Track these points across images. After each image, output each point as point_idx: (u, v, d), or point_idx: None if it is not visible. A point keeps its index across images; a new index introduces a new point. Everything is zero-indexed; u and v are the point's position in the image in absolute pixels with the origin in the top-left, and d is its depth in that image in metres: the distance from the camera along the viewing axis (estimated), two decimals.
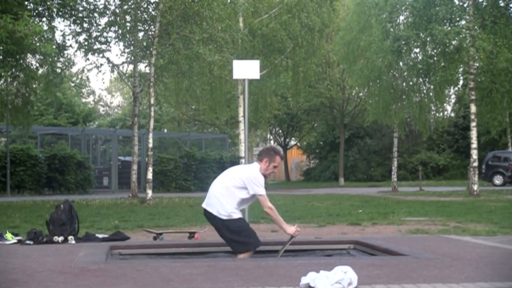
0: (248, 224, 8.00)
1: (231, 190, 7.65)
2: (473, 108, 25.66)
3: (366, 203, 20.61)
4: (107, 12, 24.98)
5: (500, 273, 6.36)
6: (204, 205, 7.84)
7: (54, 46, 20.61)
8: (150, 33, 24.66)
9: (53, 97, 36.48)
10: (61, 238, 9.60)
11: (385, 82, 30.57)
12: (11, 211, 16.82)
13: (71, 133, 37.29)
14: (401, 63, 29.71)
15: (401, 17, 29.45)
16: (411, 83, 30.52)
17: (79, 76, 31.61)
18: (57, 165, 30.59)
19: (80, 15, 24.41)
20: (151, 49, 23.23)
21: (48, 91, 27.13)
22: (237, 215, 7.72)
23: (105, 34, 25.17)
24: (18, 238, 9.89)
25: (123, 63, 26.64)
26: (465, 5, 25.96)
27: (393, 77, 30.88)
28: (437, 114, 37.15)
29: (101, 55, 25.47)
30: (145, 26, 25.27)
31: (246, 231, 7.81)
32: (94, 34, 25.00)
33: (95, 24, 24.98)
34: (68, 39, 24.95)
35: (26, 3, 21.00)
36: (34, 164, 29.80)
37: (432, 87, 29.62)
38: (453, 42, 25.62)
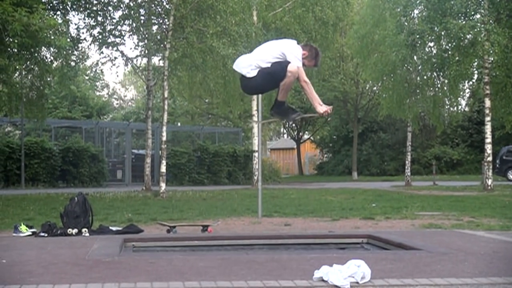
0: None
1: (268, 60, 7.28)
2: (487, 103, 25.55)
3: (379, 197, 20.57)
4: (121, 5, 25.01)
5: None
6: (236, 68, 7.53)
7: (68, 40, 20.66)
8: (164, 26, 24.67)
9: (67, 90, 36.56)
10: (75, 231, 9.66)
11: (399, 76, 30.44)
12: (25, 204, 16.91)
13: (85, 126, 37.36)
14: (415, 57, 29.55)
15: (416, 11, 29.28)
16: (425, 77, 30.38)
17: (93, 70, 31.66)
18: (71, 158, 30.70)
19: (95, 8, 24.47)
20: (165, 42, 23.24)
21: (62, 84, 27.19)
22: None
23: (119, 27, 25.23)
24: (32, 230, 9.95)
25: (137, 56, 26.71)
26: None
27: (407, 71, 30.74)
28: (451, 109, 37.01)
29: (115, 48, 25.57)
30: (159, 19, 25.28)
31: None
32: (108, 27, 25.07)
33: (109, 18, 25.04)
34: (83, 33, 25.14)
35: None
36: (48, 157, 29.91)
37: (446, 81, 29.46)
38: (468, 36, 25.48)
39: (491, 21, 24.78)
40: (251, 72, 7.26)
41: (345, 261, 5.75)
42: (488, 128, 25.36)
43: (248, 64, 7.30)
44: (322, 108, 7.39)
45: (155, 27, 25.28)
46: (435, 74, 29.71)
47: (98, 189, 26.67)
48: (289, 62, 7.16)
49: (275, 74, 7.20)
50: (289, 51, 7.27)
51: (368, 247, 8.72)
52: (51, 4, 22.75)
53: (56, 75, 25.74)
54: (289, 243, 8.74)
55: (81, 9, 24.14)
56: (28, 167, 29.16)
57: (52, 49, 22.01)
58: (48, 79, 26.35)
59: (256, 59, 7.30)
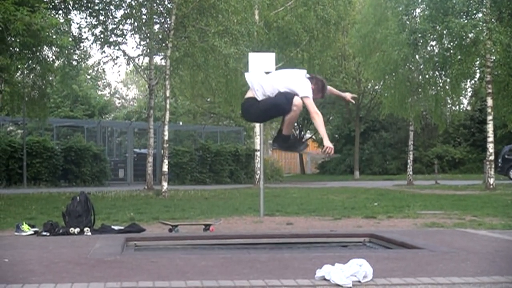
0: None
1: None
2: (489, 102, 25.52)
3: (381, 197, 20.57)
4: (123, 4, 25.02)
5: None
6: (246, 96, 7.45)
7: (70, 39, 20.69)
8: (165, 25, 24.67)
9: (69, 90, 36.64)
10: (77, 230, 9.66)
11: (401, 75, 30.43)
12: (27, 203, 16.92)
13: (87, 125, 37.36)
14: (417, 56, 29.55)
15: (418, 10, 29.31)
16: (427, 76, 30.36)
17: (95, 69, 31.59)
18: (73, 157, 30.69)
19: (96, 7, 24.48)
20: (167, 41, 23.24)
21: (64, 84, 27.22)
22: None
23: (121, 26, 25.21)
24: (34, 229, 9.96)
25: (138, 55, 26.74)
26: None
27: (409, 70, 30.73)
28: (453, 108, 37.00)
29: (117, 47, 25.55)
30: (161, 18, 25.28)
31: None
32: (110, 26, 25.06)
33: (111, 17, 25.05)
34: (84, 32, 25.03)
35: None
36: (50, 156, 29.90)
37: (448, 80, 29.43)
38: (470, 35, 25.46)
39: (493, 20, 24.77)
40: (259, 96, 7.23)
41: (347, 260, 5.74)
42: (490, 127, 25.34)
43: (258, 86, 7.24)
44: (329, 142, 7.49)
45: (157, 26, 25.29)
46: (437, 73, 29.69)
47: (100, 188, 26.69)
48: (294, 95, 7.11)
49: (279, 106, 7.18)
50: (297, 84, 7.21)
51: (370, 246, 8.72)
52: (53, 3, 22.75)
53: (58, 74, 25.77)
54: (291, 242, 8.74)
55: (83, 8, 24.15)
56: (30, 166, 29.15)
57: (54, 48, 22.03)
58: (50, 78, 26.41)
59: (265, 87, 7.22)
